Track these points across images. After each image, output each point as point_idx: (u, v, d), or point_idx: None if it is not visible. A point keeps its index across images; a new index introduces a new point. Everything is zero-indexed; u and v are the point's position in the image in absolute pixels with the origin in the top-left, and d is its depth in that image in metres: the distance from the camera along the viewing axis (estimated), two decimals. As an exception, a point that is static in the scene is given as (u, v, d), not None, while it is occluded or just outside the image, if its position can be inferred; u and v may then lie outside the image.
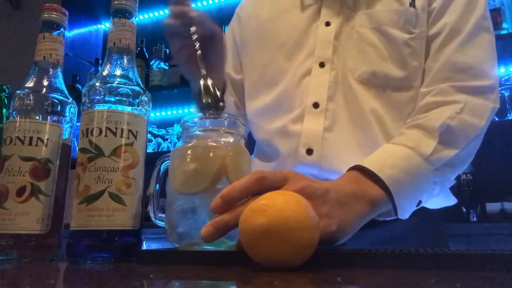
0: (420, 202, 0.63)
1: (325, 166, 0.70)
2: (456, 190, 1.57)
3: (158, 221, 0.57)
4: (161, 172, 0.57)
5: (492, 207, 1.54)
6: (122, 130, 0.54)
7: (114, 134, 0.53)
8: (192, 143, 0.54)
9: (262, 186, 0.45)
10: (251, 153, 0.67)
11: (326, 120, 0.71)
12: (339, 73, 0.73)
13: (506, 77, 1.70)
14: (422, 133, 0.63)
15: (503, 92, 1.68)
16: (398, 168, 0.59)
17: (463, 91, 0.67)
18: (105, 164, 0.52)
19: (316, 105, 0.72)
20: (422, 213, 0.67)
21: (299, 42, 0.78)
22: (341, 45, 0.74)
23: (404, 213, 0.61)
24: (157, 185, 0.57)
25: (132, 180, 0.54)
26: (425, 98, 0.68)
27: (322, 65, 0.74)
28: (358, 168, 0.59)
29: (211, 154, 0.52)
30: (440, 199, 0.74)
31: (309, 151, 0.71)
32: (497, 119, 1.67)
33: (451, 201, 0.78)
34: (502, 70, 1.82)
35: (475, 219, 1.52)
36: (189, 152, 0.53)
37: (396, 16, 0.71)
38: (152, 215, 0.57)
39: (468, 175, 1.57)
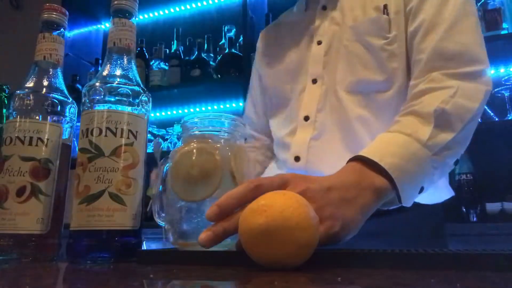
0: (422, 188, 0.63)
1: (311, 170, 0.75)
2: (456, 190, 1.57)
3: (161, 222, 0.57)
4: (163, 173, 0.57)
5: (492, 207, 1.54)
6: (122, 130, 0.54)
7: (114, 134, 0.53)
8: (193, 144, 0.54)
9: (259, 194, 0.45)
10: None
11: (315, 131, 0.78)
12: (329, 86, 0.79)
13: (506, 77, 1.70)
14: (417, 119, 0.64)
15: (503, 92, 1.68)
16: (398, 156, 0.59)
17: (455, 77, 0.68)
18: (105, 164, 0.52)
19: (306, 118, 0.80)
20: (416, 208, 0.68)
21: (300, 63, 0.85)
22: (331, 60, 0.80)
23: (408, 200, 0.61)
24: (161, 186, 0.57)
25: (132, 180, 0.54)
26: (418, 86, 0.69)
27: (314, 81, 0.81)
28: (358, 159, 0.59)
29: (214, 161, 0.52)
30: (438, 192, 0.77)
31: (297, 158, 0.78)
32: (497, 119, 1.67)
33: (449, 193, 0.80)
34: (502, 70, 1.82)
35: (475, 219, 1.53)
36: (192, 159, 0.53)
37: (372, 25, 0.76)
38: (155, 215, 0.57)
39: (468, 175, 1.57)
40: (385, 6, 0.76)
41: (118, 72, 0.57)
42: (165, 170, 0.57)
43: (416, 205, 0.68)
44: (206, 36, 2.22)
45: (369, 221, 0.62)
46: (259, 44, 1.01)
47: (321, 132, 0.77)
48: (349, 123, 0.75)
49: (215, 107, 2.34)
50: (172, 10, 2.55)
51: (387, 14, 0.75)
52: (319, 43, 0.82)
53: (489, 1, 1.68)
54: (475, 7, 0.75)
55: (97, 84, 0.56)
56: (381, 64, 0.75)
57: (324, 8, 0.85)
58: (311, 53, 0.83)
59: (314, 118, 0.78)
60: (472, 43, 0.70)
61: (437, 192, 0.76)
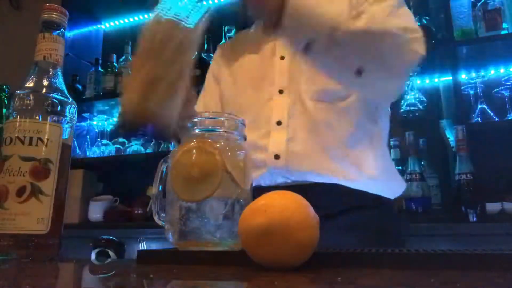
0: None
1: (291, 168, 0.82)
2: (456, 190, 1.57)
3: (161, 222, 0.57)
4: (163, 174, 0.57)
5: (492, 207, 1.54)
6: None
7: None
8: (192, 144, 0.54)
9: None
10: None
11: (289, 134, 0.85)
12: (296, 95, 0.87)
13: (506, 77, 1.70)
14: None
15: (503, 92, 1.68)
16: None
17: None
18: None
19: (279, 123, 0.87)
20: (382, 205, 0.84)
21: (263, 74, 0.93)
22: (295, 73, 0.89)
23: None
24: (160, 187, 0.57)
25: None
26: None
27: (281, 92, 0.90)
28: None
29: (214, 161, 0.52)
30: (394, 187, 0.88)
31: (277, 157, 0.84)
32: (497, 119, 1.67)
33: (402, 185, 0.90)
34: (502, 70, 1.82)
35: (475, 219, 1.52)
36: (192, 159, 0.53)
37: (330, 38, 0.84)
38: (155, 215, 0.57)
39: (468, 175, 1.57)
40: None
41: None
42: (164, 170, 0.57)
43: (381, 201, 0.84)
44: (206, 36, 2.22)
45: (342, 217, 0.79)
46: (217, 55, 1.10)
47: (294, 135, 0.85)
48: (317, 127, 0.85)
49: (215, 107, 2.33)
50: (172, 10, 2.55)
51: None
52: (282, 58, 0.92)
53: (489, 1, 1.68)
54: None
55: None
56: (339, 72, 0.83)
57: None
58: (276, 68, 0.92)
59: (287, 123, 0.86)
60: (413, 21, 0.83)
61: (392, 186, 0.88)
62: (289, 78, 0.90)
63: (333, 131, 0.84)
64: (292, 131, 0.85)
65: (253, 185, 0.82)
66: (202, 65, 2.13)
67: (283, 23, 0.72)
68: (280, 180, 0.83)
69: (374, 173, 0.84)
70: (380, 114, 0.91)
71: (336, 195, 0.80)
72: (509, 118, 1.65)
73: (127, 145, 2.29)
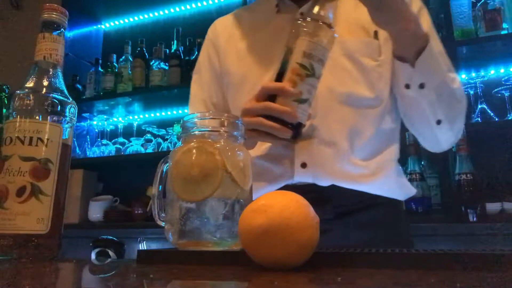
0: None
1: (317, 176, 0.80)
2: (456, 190, 1.57)
3: (161, 222, 0.57)
4: (163, 173, 0.57)
5: (492, 207, 1.54)
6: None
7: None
8: (193, 144, 0.54)
9: None
10: None
11: (315, 138, 0.81)
12: (319, 95, 0.79)
13: (506, 77, 1.70)
14: None
15: (503, 92, 1.68)
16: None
17: None
18: None
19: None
20: (392, 205, 0.85)
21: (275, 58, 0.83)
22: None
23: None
24: (160, 187, 0.57)
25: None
26: None
27: None
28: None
29: (214, 161, 0.52)
30: (403, 190, 0.88)
31: (304, 165, 0.80)
32: (497, 119, 1.66)
33: (411, 191, 0.90)
34: (502, 70, 1.82)
35: (475, 219, 1.52)
36: (192, 159, 0.53)
37: (364, 46, 0.84)
38: (155, 215, 0.57)
39: (468, 175, 1.57)
40: (376, 32, 0.83)
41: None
42: (164, 170, 0.57)
43: (391, 202, 0.85)
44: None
45: (357, 216, 0.81)
46: (220, 35, 0.98)
47: (320, 140, 0.80)
48: (342, 132, 0.81)
49: (215, 107, 2.33)
50: (172, 10, 2.54)
51: (378, 39, 0.84)
52: None
53: (489, 1, 1.68)
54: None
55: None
56: (371, 83, 0.82)
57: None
58: None
59: (312, 125, 0.81)
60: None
61: (405, 189, 0.89)
62: None
63: (361, 139, 0.82)
64: (317, 135, 0.81)
65: (271, 189, 0.83)
66: (202, 65, 2.14)
67: (416, 62, 0.74)
68: (298, 180, 0.82)
69: (390, 180, 0.85)
70: (399, 122, 0.91)
71: (351, 195, 0.80)
72: (509, 118, 1.65)
73: (127, 145, 2.30)
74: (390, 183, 0.85)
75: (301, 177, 0.81)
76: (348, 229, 0.79)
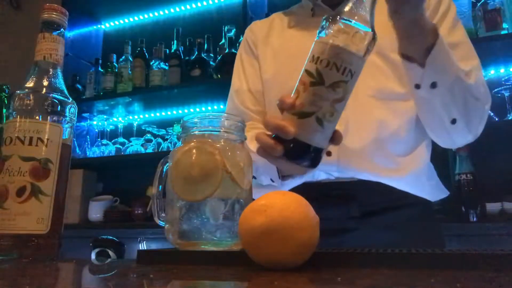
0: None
1: (342, 165, 0.79)
2: (456, 190, 1.57)
3: (161, 222, 0.57)
4: (163, 174, 0.57)
5: (492, 207, 1.54)
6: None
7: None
8: (193, 144, 0.54)
9: None
10: None
11: (341, 126, 0.76)
12: None
13: (506, 77, 1.70)
14: None
15: (503, 92, 1.68)
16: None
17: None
18: None
19: None
20: (422, 205, 0.82)
21: None
22: None
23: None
24: (160, 187, 0.57)
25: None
26: None
27: None
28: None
29: (214, 161, 0.52)
30: (435, 190, 0.85)
31: (329, 153, 0.79)
32: (497, 119, 1.67)
33: (445, 192, 0.88)
34: (502, 70, 1.82)
35: (475, 219, 1.52)
36: (192, 159, 0.53)
37: (394, 42, 0.79)
38: (155, 215, 0.57)
39: (468, 175, 1.57)
40: None
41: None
42: (164, 170, 0.57)
43: (421, 201, 0.82)
44: (206, 36, 2.22)
45: (385, 216, 0.79)
46: (257, 34, 1.01)
47: (347, 129, 0.79)
48: (371, 124, 0.80)
49: (215, 107, 2.33)
50: (172, 10, 2.54)
51: None
52: None
53: (489, 1, 1.68)
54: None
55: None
56: (400, 78, 0.80)
57: None
58: None
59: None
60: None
61: (434, 190, 0.86)
62: None
63: (387, 130, 0.81)
64: (344, 123, 0.79)
65: (295, 184, 0.81)
66: (202, 65, 2.14)
67: (426, 61, 0.69)
68: (322, 177, 0.81)
69: (421, 178, 0.82)
70: None
71: (378, 192, 0.79)
72: (509, 118, 1.65)
73: (127, 145, 2.30)
74: (420, 181, 0.82)
75: (325, 166, 0.79)
76: (375, 230, 0.78)
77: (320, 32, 0.53)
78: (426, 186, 0.83)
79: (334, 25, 0.52)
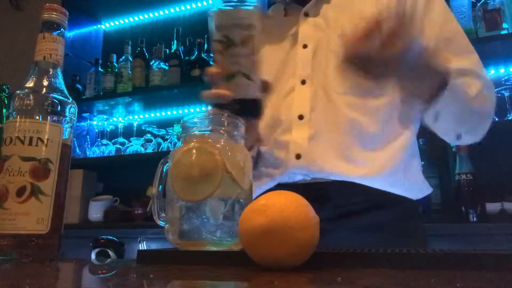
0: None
1: (312, 168, 0.79)
2: (456, 190, 1.57)
3: (161, 222, 0.57)
4: (163, 173, 0.57)
5: (492, 207, 1.54)
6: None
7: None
8: (193, 144, 0.54)
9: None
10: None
11: (311, 129, 0.80)
12: (319, 87, 0.82)
13: (506, 77, 1.70)
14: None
15: (503, 92, 1.68)
16: None
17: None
18: None
19: (301, 117, 0.82)
20: (403, 204, 0.81)
21: (284, 64, 0.88)
22: (320, 63, 0.84)
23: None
24: (160, 187, 0.57)
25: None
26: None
27: (303, 82, 0.84)
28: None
29: (214, 161, 0.51)
30: (415, 188, 0.84)
31: (298, 156, 0.80)
32: (497, 119, 1.67)
33: (428, 189, 0.87)
34: (502, 70, 1.82)
35: (475, 219, 1.52)
36: (192, 159, 0.53)
37: None
38: (155, 215, 0.57)
39: (468, 175, 1.57)
40: None
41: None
42: (164, 170, 0.57)
43: (402, 200, 0.80)
44: (206, 36, 2.22)
45: (362, 216, 0.77)
46: None
47: (317, 132, 0.80)
48: (342, 123, 0.80)
49: (215, 107, 2.33)
50: (172, 10, 2.54)
51: None
52: (305, 46, 0.86)
53: (489, 1, 1.68)
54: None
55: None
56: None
57: (306, 15, 0.89)
58: (297, 56, 0.86)
59: (309, 117, 0.81)
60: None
61: (417, 187, 0.85)
62: (313, 68, 0.84)
63: (359, 130, 0.79)
64: (314, 126, 0.80)
65: (271, 184, 0.83)
66: (202, 65, 2.14)
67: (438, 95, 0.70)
68: (298, 178, 0.80)
69: (398, 176, 0.80)
70: (413, 118, 0.86)
71: (356, 193, 0.77)
72: (509, 118, 1.65)
73: (127, 145, 2.30)
74: (397, 178, 0.80)
75: (296, 168, 0.79)
76: (351, 232, 0.76)
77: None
78: (405, 184, 0.81)
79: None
